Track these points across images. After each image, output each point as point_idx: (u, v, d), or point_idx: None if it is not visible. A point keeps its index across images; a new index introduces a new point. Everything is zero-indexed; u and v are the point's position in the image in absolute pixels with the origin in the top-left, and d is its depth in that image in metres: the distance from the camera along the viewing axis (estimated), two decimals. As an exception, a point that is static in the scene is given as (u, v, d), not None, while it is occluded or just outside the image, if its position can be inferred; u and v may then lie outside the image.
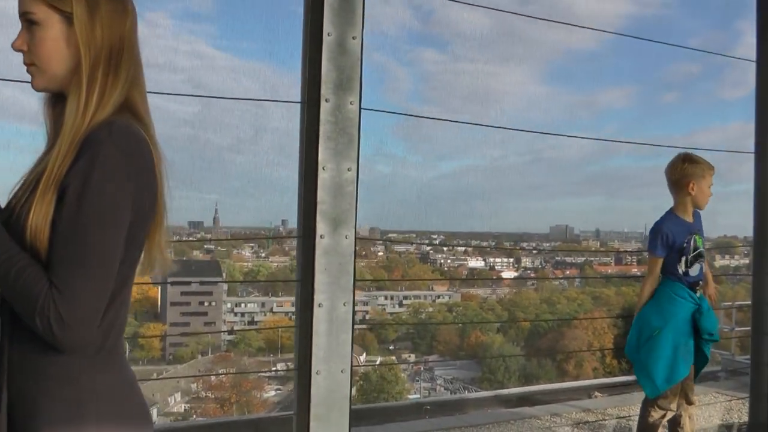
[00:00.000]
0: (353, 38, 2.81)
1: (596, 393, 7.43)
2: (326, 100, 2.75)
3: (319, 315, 2.73)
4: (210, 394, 57.88)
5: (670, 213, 4.19)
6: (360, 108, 2.81)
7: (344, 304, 2.76)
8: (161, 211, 1.55)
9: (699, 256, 4.14)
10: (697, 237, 4.14)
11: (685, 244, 4.09)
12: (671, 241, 4.07)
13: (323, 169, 2.74)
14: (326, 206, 2.75)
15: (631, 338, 4.25)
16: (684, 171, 4.13)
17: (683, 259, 4.09)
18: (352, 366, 2.74)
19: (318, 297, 2.73)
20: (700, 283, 4.18)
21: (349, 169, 2.78)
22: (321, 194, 2.74)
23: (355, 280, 2.76)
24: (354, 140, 2.79)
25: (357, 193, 2.80)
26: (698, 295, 4.14)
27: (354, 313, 2.77)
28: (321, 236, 2.74)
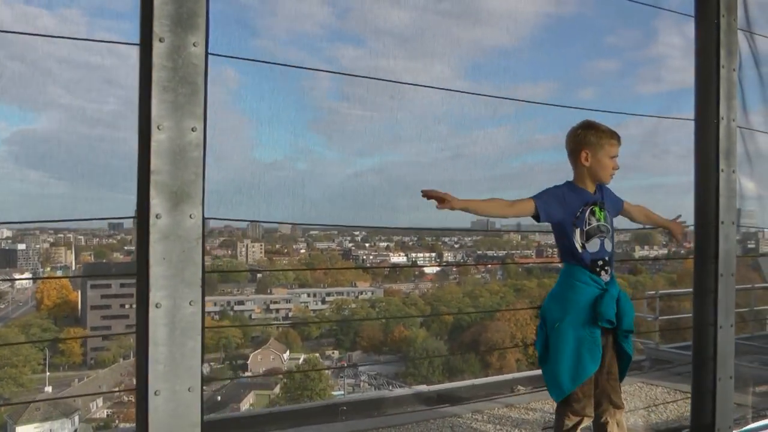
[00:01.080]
0: (197, -38, 2.17)
1: (519, 387, 7.24)
2: (160, 40, 2.11)
3: (156, 318, 2.09)
4: (133, 399, 55.98)
5: (567, 182, 3.63)
6: (207, 52, 2.18)
7: (191, 303, 2.13)
8: None
9: (598, 231, 3.54)
10: (596, 208, 3.54)
11: (579, 213, 3.51)
12: (563, 202, 3.49)
13: (158, 128, 2.09)
14: (163, 177, 2.11)
15: (539, 336, 3.62)
16: (577, 138, 3.55)
17: (578, 230, 3.50)
18: (203, 382, 2.12)
19: (155, 295, 2.09)
20: (605, 260, 3.57)
21: (193, 129, 2.14)
22: (156, 161, 2.09)
23: (204, 272, 2.13)
24: (199, 92, 2.15)
25: (204, 159, 2.17)
26: (607, 279, 3.52)
27: (204, 314, 2.14)
28: (157, 216, 2.10)
